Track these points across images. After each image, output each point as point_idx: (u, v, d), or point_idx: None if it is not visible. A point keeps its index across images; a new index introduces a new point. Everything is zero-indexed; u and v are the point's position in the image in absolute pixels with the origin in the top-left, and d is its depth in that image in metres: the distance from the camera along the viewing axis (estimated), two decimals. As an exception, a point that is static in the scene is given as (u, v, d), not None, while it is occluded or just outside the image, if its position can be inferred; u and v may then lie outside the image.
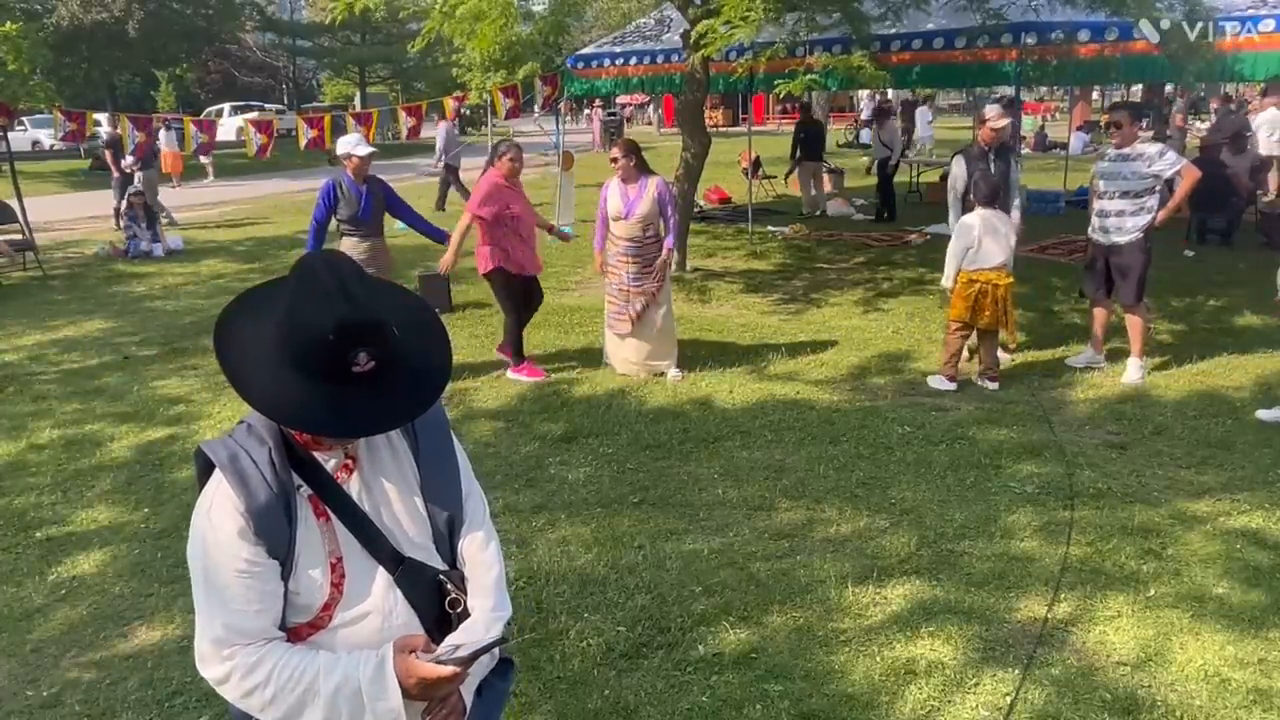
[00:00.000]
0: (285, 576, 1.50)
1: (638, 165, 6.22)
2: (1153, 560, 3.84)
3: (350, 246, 6.25)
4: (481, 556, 1.67)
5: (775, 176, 16.13)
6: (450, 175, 15.26)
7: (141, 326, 8.25)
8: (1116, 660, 3.21)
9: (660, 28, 11.44)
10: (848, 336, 7.27)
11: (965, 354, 6.15)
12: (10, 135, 11.93)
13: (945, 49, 8.88)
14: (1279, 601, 3.51)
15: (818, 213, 13.77)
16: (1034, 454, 4.93)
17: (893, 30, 8.89)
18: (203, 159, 21.13)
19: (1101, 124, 17.13)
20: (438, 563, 1.63)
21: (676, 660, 3.26)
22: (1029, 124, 23.41)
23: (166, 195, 15.32)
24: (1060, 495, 4.46)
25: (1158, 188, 5.92)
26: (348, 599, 1.53)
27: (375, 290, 1.50)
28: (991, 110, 6.61)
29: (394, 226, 7.29)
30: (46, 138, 26.66)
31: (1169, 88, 22.34)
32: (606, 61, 11.19)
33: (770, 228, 12.39)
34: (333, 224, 6.34)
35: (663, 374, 6.34)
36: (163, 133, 17.17)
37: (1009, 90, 11.17)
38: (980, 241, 5.79)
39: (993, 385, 5.95)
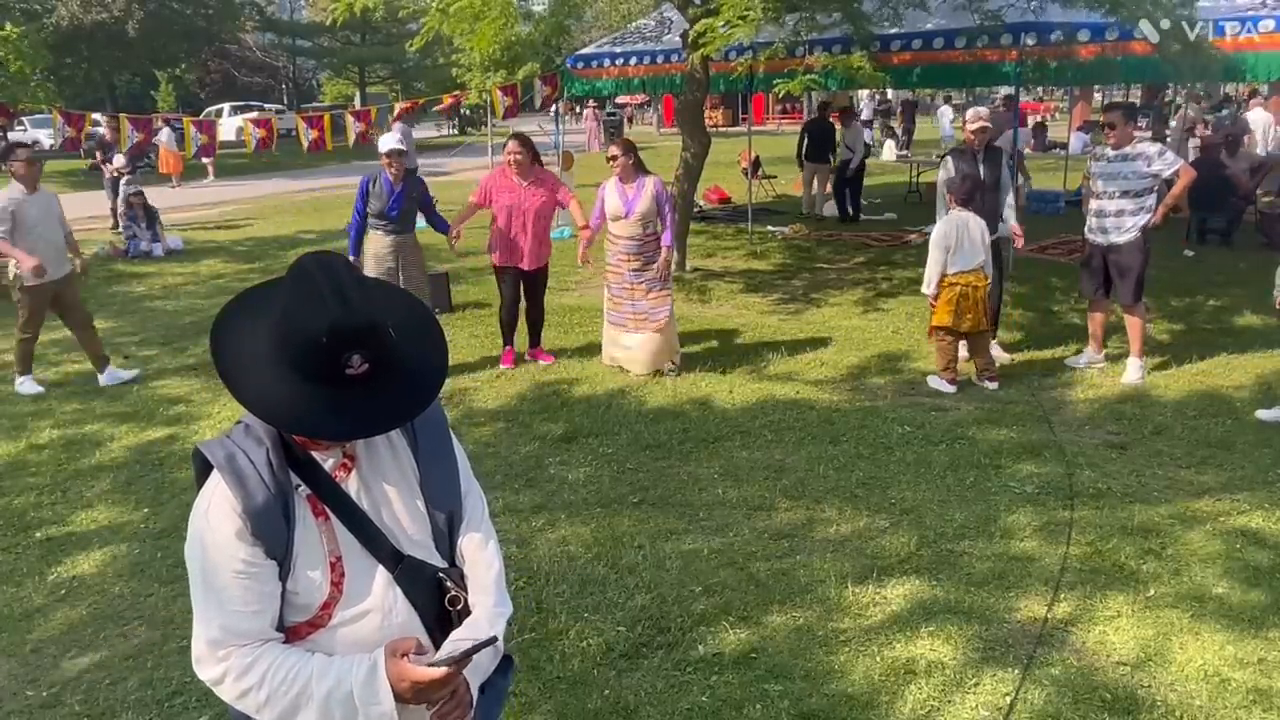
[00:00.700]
0: (283, 577, 1.49)
1: (635, 164, 6.25)
2: (1153, 560, 3.84)
3: (375, 240, 6.47)
4: (481, 554, 1.67)
5: (775, 176, 16.13)
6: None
7: (141, 326, 8.26)
8: (1116, 660, 3.21)
9: (660, 28, 11.45)
10: (847, 336, 7.28)
11: (964, 355, 6.16)
12: (10, 135, 11.92)
13: (945, 49, 8.88)
14: (1279, 601, 3.51)
15: (816, 213, 13.76)
16: (1034, 454, 4.93)
17: (893, 30, 8.90)
18: (204, 159, 21.12)
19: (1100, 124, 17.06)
20: (437, 561, 1.62)
21: (676, 660, 3.26)
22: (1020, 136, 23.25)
23: (166, 195, 15.30)
24: (1060, 495, 4.46)
25: (1156, 187, 5.94)
26: (347, 598, 1.53)
27: (371, 292, 1.49)
28: (971, 112, 6.66)
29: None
30: (46, 138, 26.63)
31: (1170, 88, 22.29)
32: (606, 62, 11.20)
33: (770, 228, 12.39)
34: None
35: (663, 373, 6.35)
36: (163, 132, 17.15)
37: (1009, 91, 11.17)
38: (958, 243, 5.81)
39: (992, 385, 5.95)
